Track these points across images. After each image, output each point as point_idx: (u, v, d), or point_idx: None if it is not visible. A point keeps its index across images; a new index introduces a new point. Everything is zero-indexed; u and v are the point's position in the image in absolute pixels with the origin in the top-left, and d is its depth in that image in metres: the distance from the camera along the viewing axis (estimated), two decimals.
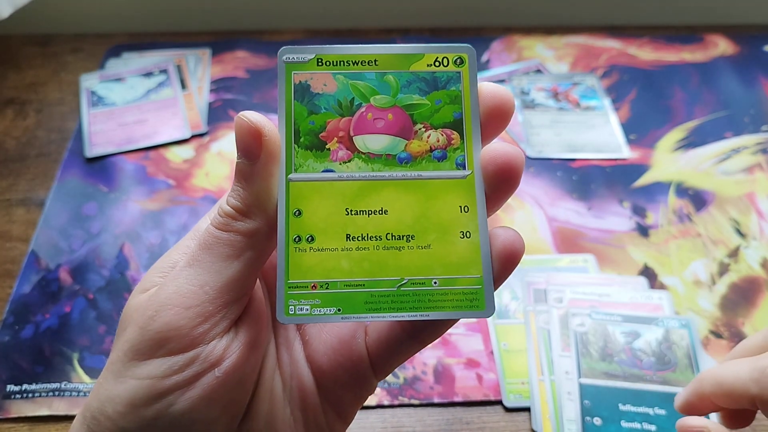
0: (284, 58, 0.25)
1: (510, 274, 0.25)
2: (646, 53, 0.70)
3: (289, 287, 0.24)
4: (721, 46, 0.71)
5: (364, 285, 0.24)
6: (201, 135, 0.61)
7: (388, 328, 0.27)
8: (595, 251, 0.52)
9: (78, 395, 0.43)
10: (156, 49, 0.70)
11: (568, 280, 0.49)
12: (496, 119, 0.25)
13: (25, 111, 0.64)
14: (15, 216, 0.55)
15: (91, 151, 0.59)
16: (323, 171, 0.24)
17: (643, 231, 0.54)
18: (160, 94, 0.64)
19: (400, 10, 0.74)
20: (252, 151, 0.24)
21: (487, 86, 0.25)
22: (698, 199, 0.56)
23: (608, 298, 0.48)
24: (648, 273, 0.51)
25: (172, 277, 0.24)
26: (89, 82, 0.65)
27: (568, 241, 0.53)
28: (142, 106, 0.63)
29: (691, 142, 0.61)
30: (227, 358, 0.24)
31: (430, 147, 0.25)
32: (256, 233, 0.24)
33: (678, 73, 0.68)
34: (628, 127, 0.62)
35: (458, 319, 0.26)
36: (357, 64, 0.25)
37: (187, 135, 0.61)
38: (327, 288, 0.24)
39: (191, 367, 0.23)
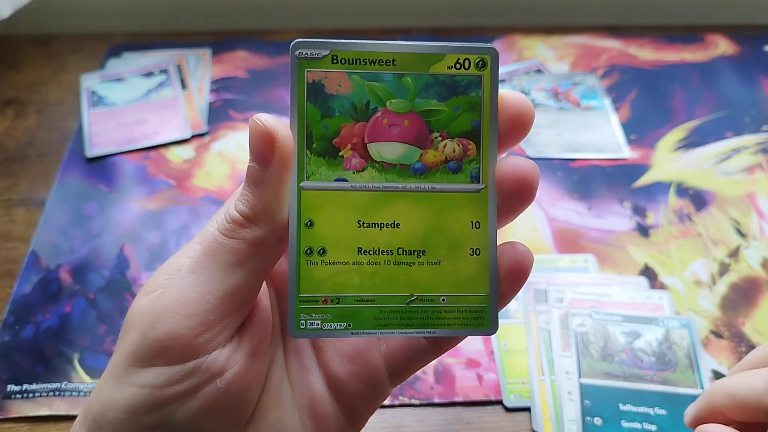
0: (297, 53, 0.24)
1: (518, 290, 0.25)
2: (646, 53, 0.70)
3: (301, 301, 0.24)
4: (722, 46, 0.71)
5: (374, 300, 0.24)
6: (201, 135, 0.61)
7: (408, 338, 0.26)
8: (595, 251, 0.52)
9: (78, 395, 0.43)
10: (156, 49, 0.70)
11: (569, 280, 0.49)
12: (515, 129, 0.25)
13: (25, 111, 0.64)
14: (15, 216, 0.55)
15: (91, 151, 0.59)
16: (336, 180, 0.24)
17: (644, 231, 0.54)
18: (160, 94, 0.64)
19: (400, 9, 0.74)
20: (264, 156, 0.23)
21: (507, 94, 0.24)
22: (699, 199, 0.56)
23: (608, 298, 0.48)
24: (648, 273, 0.51)
25: (175, 282, 0.24)
26: (89, 82, 0.65)
27: (568, 241, 0.53)
28: (143, 106, 0.63)
29: (692, 142, 0.61)
30: (229, 369, 0.23)
31: (446, 157, 0.24)
32: (262, 242, 0.23)
33: (678, 73, 0.68)
34: (628, 127, 0.62)
35: (464, 337, 0.26)
36: (374, 64, 0.24)
37: (188, 135, 0.61)
38: (338, 303, 0.24)
39: (192, 378, 0.23)
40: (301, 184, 0.24)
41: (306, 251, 0.24)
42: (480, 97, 0.24)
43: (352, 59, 0.24)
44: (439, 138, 0.24)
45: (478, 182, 0.25)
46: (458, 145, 0.24)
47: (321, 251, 0.24)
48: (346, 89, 0.24)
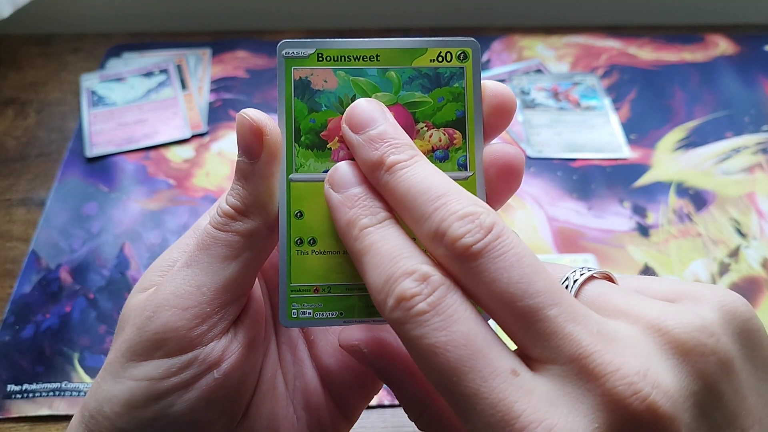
0: (284, 52, 0.24)
1: None
2: (646, 53, 0.70)
3: (292, 290, 0.24)
4: (722, 46, 0.71)
5: (365, 288, 0.24)
6: (201, 135, 0.61)
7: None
8: (595, 251, 0.52)
9: (78, 395, 0.43)
10: (156, 49, 0.70)
11: None
12: (498, 118, 0.25)
13: (25, 111, 0.64)
14: (15, 216, 0.55)
15: (91, 151, 0.59)
16: (324, 171, 0.24)
17: (644, 231, 0.54)
18: (160, 93, 0.64)
19: (400, 10, 0.74)
20: (253, 149, 0.23)
21: (489, 84, 0.25)
22: (698, 199, 0.56)
23: None
24: (648, 273, 0.51)
25: (170, 277, 0.24)
26: (89, 81, 0.65)
27: (568, 241, 0.53)
28: (143, 106, 0.63)
29: (692, 141, 0.61)
30: (226, 360, 0.24)
31: (432, 147, 0.25)
32: (255, 233, 0.24)
33: (678, 73, 0.68)
34: (628, 127, 0.62)
35: None
36: (358, 60, 0.25)
37: (188, 135, 0.61)
38: (329, 291, 0.24)
39: (189, 369, 0.23)
40: (290, 176, 0.24)
41: (296, 241, 0.24)
42: (463, 87, 0.25)
43: (337, 56, 0.24)
44: (425, 128, 0.25)
45: (466, 170, 0.25)
46: (444, 135, 0.25)
47: (311, 241, 0.24)
48: (332, 85, 0.24)
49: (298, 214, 0.24)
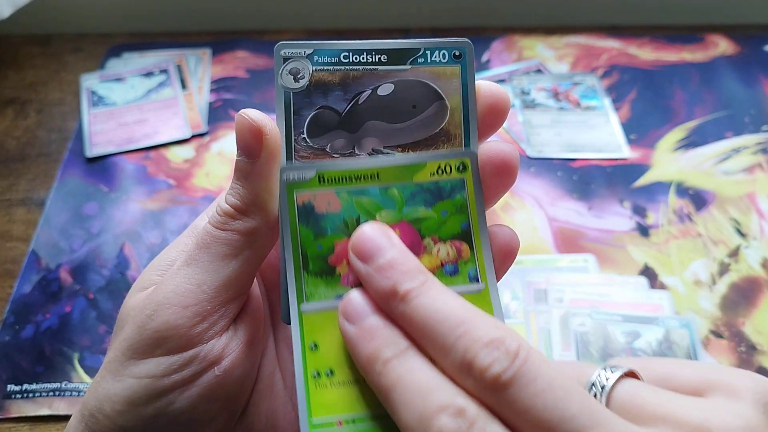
0: (284, 177, 0.24)
1: None
2: (646, 53, 0.70)
3: (314, 427, 0.22)
4: (722, 46, 0.71)
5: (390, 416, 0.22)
6: (201, 135, 0.61)
7: None
8: (595, 251, 0.52)
9: (78, 395, 0.43)
10: (156, 49, 0.70)
11: (569, 280, 0.49)
12: (492, 117, 0.25)
13: (25, 111, 0.64)
14: (15, 216, 0.55)
15: (91, 151, 0.59)
16: (336, 297, 0.23)
17: (644, 231, 0.54)
18: (160, 93, 0.64)
19: (400, 9, 0.74)
20: (252, 149, 0.24)
21: (483, 84, 0.25)
22: (699, 199, 0.56)
23: (608, 298, 0.48)
24: (648, 273, 0.51)
25: (170, 275, 0.24)
26: (90, 81, 0.65)
27: (568, 241, 0.53)
28: (143, 106, 0.63)
29: (692, 141, 0.61)
30: (226, 357, 0.24)
31: (441, 262, 0.24)
32: (255, 232, 0.24)
33: (678, 73, 0.68)
34: (628, 127, 0.62)
35: None
36: (359, 179, 0.24)
37: (188, 135, 0.61)
38: (354, 423, 0.23)
39: (190, 366, 0.23)
40: (301, 306, 0.23)
41: (313, 375, 0.23)
42: (465, 198, 0.25)
43: (338, 177, 0.24)
44: (432, 243, 0.24)
45: (477, 282, 0.24)
46: (452, 248, 0.24)
47: (329, 373, 0.23)
48: (335, 207, 0.24)
49: (313, 346, 0.23)
